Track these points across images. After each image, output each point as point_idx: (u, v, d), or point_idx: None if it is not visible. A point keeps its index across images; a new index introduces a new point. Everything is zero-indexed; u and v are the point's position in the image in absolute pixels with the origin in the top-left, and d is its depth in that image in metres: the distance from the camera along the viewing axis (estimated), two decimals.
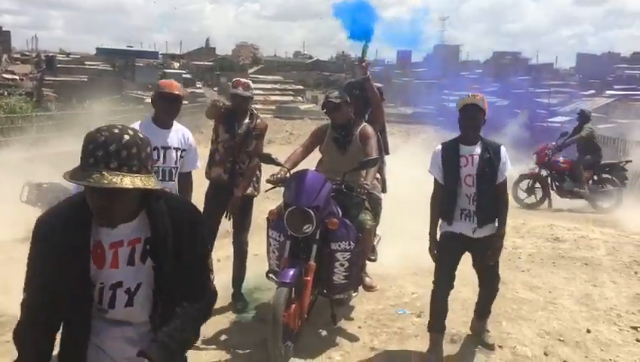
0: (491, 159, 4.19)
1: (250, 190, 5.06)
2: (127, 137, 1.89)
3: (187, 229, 2.09)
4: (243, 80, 5.10)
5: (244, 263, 5.21)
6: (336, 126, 4.88)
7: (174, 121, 4.29)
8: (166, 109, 4.19)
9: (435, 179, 4.38)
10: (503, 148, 4.29)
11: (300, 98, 35.71)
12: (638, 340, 4.92)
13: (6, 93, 27.76)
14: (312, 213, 4.19)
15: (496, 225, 4.30)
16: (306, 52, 50.15)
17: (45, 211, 2.10)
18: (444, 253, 4.31)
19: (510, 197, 9.45)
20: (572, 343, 4.79)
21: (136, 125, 4.14)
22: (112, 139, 1.87)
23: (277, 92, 33.97)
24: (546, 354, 4.56)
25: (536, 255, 7.44)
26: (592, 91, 30.72)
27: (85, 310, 2.04)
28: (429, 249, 4.38)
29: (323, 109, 4.92)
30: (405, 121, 29.90)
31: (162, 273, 2.04)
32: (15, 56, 47.79)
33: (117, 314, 2.07)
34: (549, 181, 11.62)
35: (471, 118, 4.18)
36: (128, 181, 1.86)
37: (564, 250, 7.73)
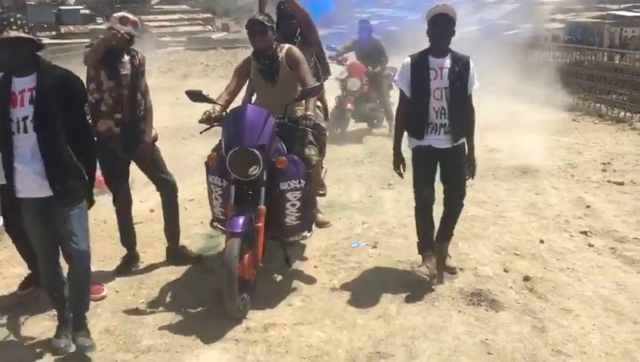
0: (461, 72, 4.07)
1: (154, 132, 4.55)
2: (12, 13, 3.21)
3: (64, 83, 3.24)
4: (132, 17, 4.36)
5: (177, 212, 4.73)
6: (258, 54, 4.30)
7: None
8: None
9: (401, 93, 4.22)
10: (471, 61, 4.16)
11: (209, 27, 33.99)
12: (590, 245, 4.96)
13: None
14: (257, 153, 3.77)
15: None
16: None
17: None
18: (421, 168, 4.20)
19: None
20: (528, 256, 4.76)
21: None
22: (7, 15, 3.13)
23: (185, 22, 32.04)
24: (506, 270, 4.49)
25: None
26: None
27: (7, 136, 3.19)
28: (394, 164, 4.27)
29: (247, 29, 4.29)
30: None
31: (41, 110, 3.16)
32: None
33: (27, 138, 3.19)
34: None
35: (442, 28, 4.02)
36: (19, 33, 3.08)
37: (500, 160, 7.75)
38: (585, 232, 5.22)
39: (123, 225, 4.61)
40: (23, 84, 3.18)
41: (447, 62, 4.08)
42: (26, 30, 3.12)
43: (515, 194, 6.39)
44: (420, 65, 4.09)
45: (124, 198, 4.56)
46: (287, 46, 4.38)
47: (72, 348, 3.42)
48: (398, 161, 4.26)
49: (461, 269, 4.46)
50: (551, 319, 3.79)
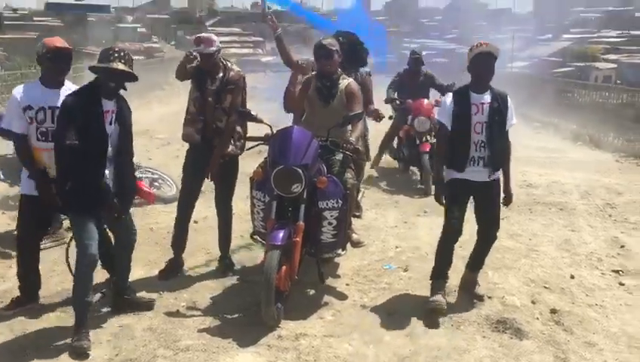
0: (500, 107, 4.31)
1: (232, 148, 4.72)
2: (125, 50, 3.90)
3: (128, 108, 3.97)
4: (205, 35, 4.74)
5: (230, 228, 5.01)
6: (322, 75, 4.65)
7: (66, 80, 4.15)
8: (56, 67, 4.02)
9: (440, 127, 4.46)
10: (509, 98, 4.40)
11: (260, 50, 34.86)
12: (621, 284, 5.00)
13: None
14: (300, 171, 4.02)
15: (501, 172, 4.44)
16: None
17: (69, 94, 3.84)
18: (455, 201, 4.37)
19: None
20: (558, 290, 4.84)
21: (19, 88, 4.05)
22: (121, 49, 3.85)
23: (236, 44, 32.97)
24: (533, 302, 4.58)
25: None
26: (549, 35, 30.73)
27: (104, 151, 3.78)
28: (436, 195, 4.45)
29: (314, 54, 4.65)
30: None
31: (123, 127, 3.89)
32: None
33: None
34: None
35: (486, 66, 4.24)
36: (127, 67, 3.76)
37: (538, 196, 7.80)
38: (617, 271, 5.26)
39: (179, 231, 4.90)
40: (108, 106, 3.80)
41: (487, 97, 4.30)
42: (129, 65, 3.78)
43: (549, 229, 6.45)
44: (462, 101, 4.30)
45: (188, 205, 4.86)
46: (349, 80, 4.72)
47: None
48: (441, 191, 4.41)
49: (489, 297, 4.58)
50: (574, 351, 3.88)
